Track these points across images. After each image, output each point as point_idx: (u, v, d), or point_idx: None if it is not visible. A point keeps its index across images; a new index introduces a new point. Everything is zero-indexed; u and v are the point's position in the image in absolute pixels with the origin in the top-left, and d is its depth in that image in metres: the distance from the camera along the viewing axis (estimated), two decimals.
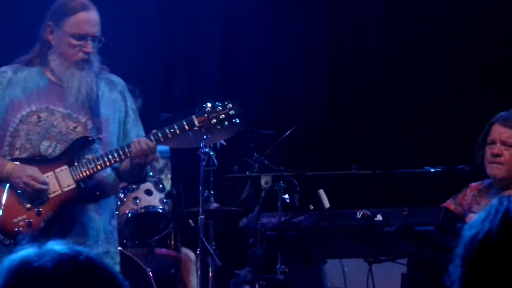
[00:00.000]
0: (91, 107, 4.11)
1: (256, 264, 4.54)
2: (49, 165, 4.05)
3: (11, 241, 3.97)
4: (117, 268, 4.14)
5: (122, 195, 5.58)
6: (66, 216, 4.04)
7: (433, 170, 4.73)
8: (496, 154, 4.44)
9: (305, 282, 4.74)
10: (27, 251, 1.44)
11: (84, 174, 4.02)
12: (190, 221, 5.72)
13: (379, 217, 4.33)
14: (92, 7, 4.11)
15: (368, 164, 5.11)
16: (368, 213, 4.35)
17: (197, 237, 5.43)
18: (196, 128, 4.09)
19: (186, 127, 4.06)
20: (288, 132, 5.25)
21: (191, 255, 5.82)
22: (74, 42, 4.05)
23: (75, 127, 4.09)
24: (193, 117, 4.08)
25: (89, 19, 4.08)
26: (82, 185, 4.04)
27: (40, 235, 3.95)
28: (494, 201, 1.42)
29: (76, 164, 4.03)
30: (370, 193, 6.00)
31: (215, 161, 5.59)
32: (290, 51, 7.01)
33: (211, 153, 5.57)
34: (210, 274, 5.45)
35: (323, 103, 6.88)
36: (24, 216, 4.01)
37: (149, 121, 4.75)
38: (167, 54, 7.22)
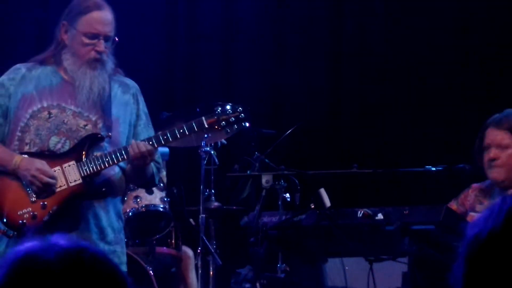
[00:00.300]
0: (103, 107, 4.14)
1: (257, 262, 4.54)
2: (57, 160, 4.07)
3: (15, 233, 3.99)
4: (124, 268, 4.17)
5: None
6: (72, 211, 4.05)
7: (434, 169, 4.73)
8: (492, 158, 4.43)
9: (306, 281, 4.74)
10: (31, 244, 1.44)
11: (91, 170, 4.04)
12: (191, 220, 5.72)
13: (380, 216, 4.33)
14: (106, 7, 4.15)
15: (369, 163, 5.11)
16: (369, 212, 4.35)
17: (198, 236, 5.43)
18: (206, 129, 4.11)
19: (196, 128, 4.07)
20: (289, 131, 5.25)
21: (190, 252, 5.82)
22: (87, 40, 4.09)
23: (86, 125, 4.12)
24: (203, 118, 4.09)
25: (102, 18, 4.12)
26: (89, 181, 4.05)
27: (44, 228, 3.98)
28: (498, 199, 1.41)
29: (84, 160, 4.05)
30: (371, 192, 6.00)
31: (216, 160, 5.59)
32: (291, 50, 7.01)
33: (212, 152, 5.57)
34: (211, 272, 5.45)
35: (324, 102, 6.87)
36: (29, 209, 4.03)
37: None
38: (167, 52, 7.21)
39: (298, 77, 6.94)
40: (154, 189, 5.60)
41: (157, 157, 4.27)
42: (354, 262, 4.67)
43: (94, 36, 4.10)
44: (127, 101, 4.24)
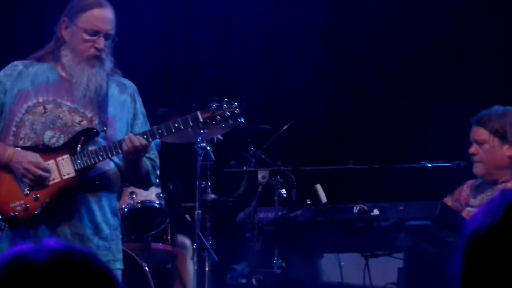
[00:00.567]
0: (99, 104, 4.14)
1: (253, 258, 4.55)
2: (51, 153, 4.07)
3: (6, 225, 4.00)
4: (119, 265, 4.18)
5: None
6: (65, 204, 4.05)
7: (430, 165, 4.74)
8: (472, 153, 4.58)
9: (302, 277, 4.74)
10: (22, 246, 1.44)
11: (85, 164, 4.05)
12: (187, 216, 5.72)
13: (376, 212, 4.34)
14: (107, 5, 4.18)
15: (365, 159, 5.11)
16: (365, 207, 4.36)
17: (193, 232, 5.43)
18: (201, 124, 4.11)
19: (191, 122, 4.08)
20: (285, 127, 5.25)
21: (187, 242, 5.81)
22: (87, 37, 4.11)
23: (81, 121, 4.13)
24: (198, 112, 4.10)
25: (103, 16, 4.14)
26: (82, 175, 4.06)
27: (37, 220, 3.97)
28: (496, 194, 1.42)
29: (78, 154, 4.05)
30: (367, 188, 6.00)
31: (212, 156, 5.58)
32: (288, 46, 7.01)
33: (208, 148, 5.56)
34: (207, 268, 5.45)
35: (320, 98, 6.87)
36: (22, 202, 4.03)
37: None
38: (164, 48, 7.21)
39: (294, 73, 6.94)
40: None
41: (154, 156, 4.27)
42: (350, 257, 4.67)
43: (95, 33, 4.11)
44: (124, 100, 4.25)
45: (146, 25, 7.00)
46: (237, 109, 4.14)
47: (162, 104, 5.92)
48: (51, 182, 4.04)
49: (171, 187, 5.81)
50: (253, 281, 4.57)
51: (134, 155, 4.03)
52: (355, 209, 4.38)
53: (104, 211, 4.14)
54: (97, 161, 4.05)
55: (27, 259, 1.40)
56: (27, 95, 4.13)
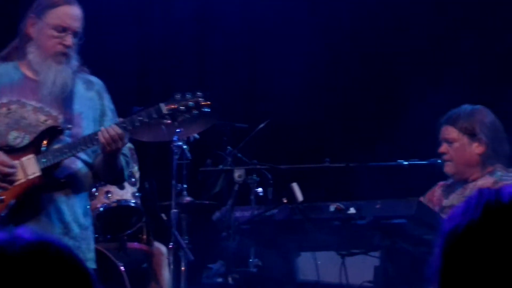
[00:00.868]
0: (64, 102, 4.10)
1: (229, 257, 4.54)
2: (15, 154, 4.03)
3: None
4: (89, 264, 4.10)
5: (94, 189, 5.54)
6: (31, 205, 4.01)
7: (406, 163, 4.76)
8: (441, 152, 4.62)
9: (278, 275, 4.73)
10: None
11: (50, 162, 4.00)
12: (163, 215, 5.69)
13: (352, 210, 4.34)
14: (75, 3, 4.16)
15: (342, 157, 5.11)
16: (342, 206, 4.36)
17: (169, 231, 5.41)
18: (165, 115, 4.07)
19: (155, 114, 4.04)
20: (261, 125, 5.24)
21: (163, 249, 5.79)
22: (55, 33, 4.08)
23: (46, 120, 4.08)
24: (162, 104, 4.07)
25: (71, 13, 4.12)
26: (48, 174, 4.00)
27: (4, 222, 3.93)
28: (473, 193, 1.42)
29: (42, 152, 4.00)
30: (344, 186, 6.01)
31: (188, 155, 5.56)
32: (265, 45, 7.01)
33: (184, 147, 5.54)
34: (183, 268, 5.43)
35: (296, 96, 6.87)
36: None
37: (121, 115, 4.72)
38: (141, 47, 7.19)
39: (270, 72, 6.94)
40: (126, 184, 5.57)
41: (126, 151, 4.23)
42: (326, 256, 4.67)
43: (63, 29, 4.08)
44: (90, 97, 4.21)
45: (123, 23, 6.97)
46: (201, 99, 4.11)
47: (139, 102, 5.89)
48: (17, 183, 4.00)
49: (147, 186, 5.78)
50: (229, 280, 4.56)
51: (113, 145, 3.98)
52: (332, 208, 4.38)
53: (74, 210, 4.09)
54: (61, 159, 4.01)
55: (1, 252, 1.38)
56: None
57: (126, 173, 4.24)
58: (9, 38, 4.32)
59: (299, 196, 4.45)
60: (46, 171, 4.01)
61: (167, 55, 7.20)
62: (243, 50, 7.06)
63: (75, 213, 4.09)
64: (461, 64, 6.46)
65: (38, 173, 4.01)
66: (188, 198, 5.61)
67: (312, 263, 4.67)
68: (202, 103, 4.11)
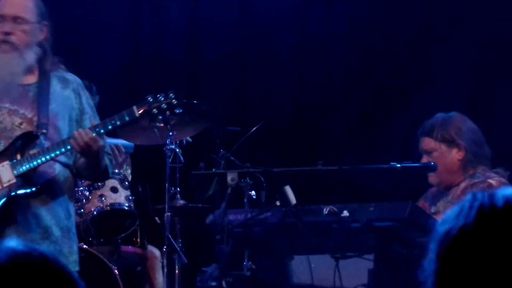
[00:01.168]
0: (39, 103, 4.03)
1: (223, 261, 4.53)
2: None
3: None
4: (73, 267, 4.03)
5: (87, 193, 5.53)
6: (8, 212, 3.95)
7: (399, 165, 4.75)
8: None
9: (272, 279, 4.73)
10: None
11: (25, 168, 3.95)
12: (156, 218, 5.69)
13: (345, 213, 4.34)
14: None
15: (335, 160, 5.11)
16: (335, 209, 4.36)
17: (163, 234, 5.40)
18: (138, 118, 4.04)
19: (127, 117, 4.01)
20: (254, 128, 5.24)
21: (157, 253, 5.79)
22: None
23: (21, 123, 4.02)
24: (134, 107, 4.03)
25: (6, 1, 4.04)
26: (24, 180, 3.96)
27: None
28: (468, 196, 1.42)
29: (17, 159, 3.96)
30: (337, 189, 6.01)
31: (181, 158, 5.56)
32: (256, 48, 7.01)
33: (177, 150, 5.53)
34: (177, 271, 5.43)
35: (289, 99, 6.88)
36: None
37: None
38: (131, 49, 7.18)
39: (263, 75, 6.94)
40: (119, 187, 5.56)
41: (107, 148, 4.18)
42: (320, 259, 4.67)
43: (1, 17, 4.00)
44: (67, 96, 4.13)
45: (112, 23, 6.96)
46: (173, 100, 4.08)
47: (127, 104, 5.89)
48: None
49: (140, 189, 5.77)
50: (223, 283, 4.55)
51: (86, 150, 3.92)
52: (325, 211, 4.37)
53: (55, 213, 4.02)
54: (36, 164, 3.95)
55: None
56: None
57: (110, 170, 4.19)
58: None
59: (292, 199, 4.44)
60: (21, 178, 3.96)
61: (158, 59, 7.19)
62: (235, 54, 7.06)
63: (56, 216, 4.02)
64: (454, 66, 6.46)
65: (13, 180, 3.95)
66: (181, 202, 5.61)
67: (306, 266, 4.67)
68: (175, 104, 4.07)
